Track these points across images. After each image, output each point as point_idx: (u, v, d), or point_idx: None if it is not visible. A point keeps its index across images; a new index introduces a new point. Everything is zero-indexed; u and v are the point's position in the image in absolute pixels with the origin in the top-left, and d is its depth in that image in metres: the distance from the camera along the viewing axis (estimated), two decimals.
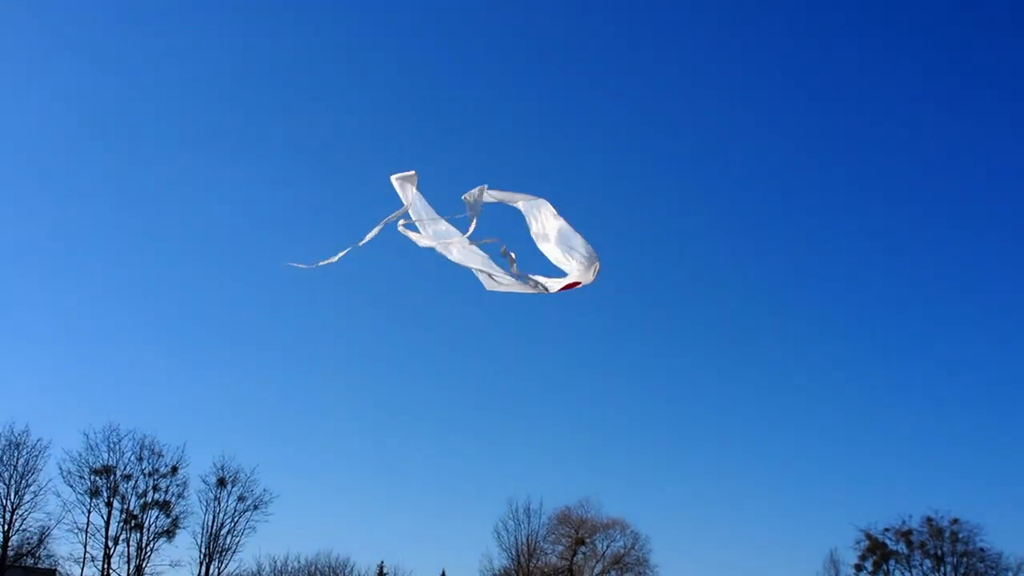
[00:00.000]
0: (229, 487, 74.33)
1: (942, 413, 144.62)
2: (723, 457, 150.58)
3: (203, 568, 73.34)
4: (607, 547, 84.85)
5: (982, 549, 75.71)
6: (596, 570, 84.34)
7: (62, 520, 74.86)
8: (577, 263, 10.48)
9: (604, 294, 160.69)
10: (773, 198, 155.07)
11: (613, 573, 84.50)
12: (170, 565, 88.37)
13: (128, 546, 68.52)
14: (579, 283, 10.24)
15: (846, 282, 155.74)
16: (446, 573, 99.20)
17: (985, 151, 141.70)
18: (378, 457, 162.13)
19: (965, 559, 75.49)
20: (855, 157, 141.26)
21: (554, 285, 10.66)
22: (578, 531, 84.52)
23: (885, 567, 77.32)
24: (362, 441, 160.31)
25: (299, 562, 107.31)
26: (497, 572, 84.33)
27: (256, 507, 74.47)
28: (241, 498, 74.26)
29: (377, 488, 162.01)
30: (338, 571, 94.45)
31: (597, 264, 10.49)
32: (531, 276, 10.85)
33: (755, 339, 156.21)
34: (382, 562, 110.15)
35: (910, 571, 76.87)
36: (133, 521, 69.47)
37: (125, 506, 69.27)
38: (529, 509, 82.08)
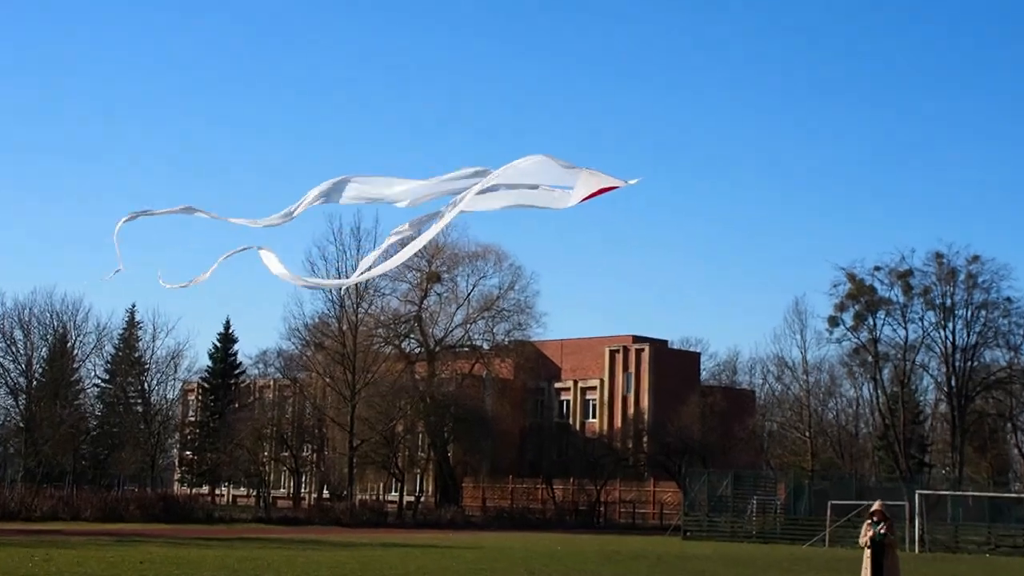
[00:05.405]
0: None
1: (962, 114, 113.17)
2: (635, 161, 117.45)
3: None
4: (473, 285, 59.03)
5: (1008, 299, 54.31)
6: (457, 318, 58.67)
7: None
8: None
9: None
10: None
11: (482, 322, 58.98)
12: None
13: None
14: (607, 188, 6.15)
15: None
16: (230, 320, 71.80)
17: None
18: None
19: (984, 312, 53.89)
20: None
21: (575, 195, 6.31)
22: (431, 263, 57.65)
23: (870, 321, 54.73)
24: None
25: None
26: (309, 321, 57.01)
27: None
28: None
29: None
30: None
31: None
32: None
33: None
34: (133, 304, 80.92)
35: (905, 327, 54.81)
36: None
37: None
38: (360, 230, 53.86)
